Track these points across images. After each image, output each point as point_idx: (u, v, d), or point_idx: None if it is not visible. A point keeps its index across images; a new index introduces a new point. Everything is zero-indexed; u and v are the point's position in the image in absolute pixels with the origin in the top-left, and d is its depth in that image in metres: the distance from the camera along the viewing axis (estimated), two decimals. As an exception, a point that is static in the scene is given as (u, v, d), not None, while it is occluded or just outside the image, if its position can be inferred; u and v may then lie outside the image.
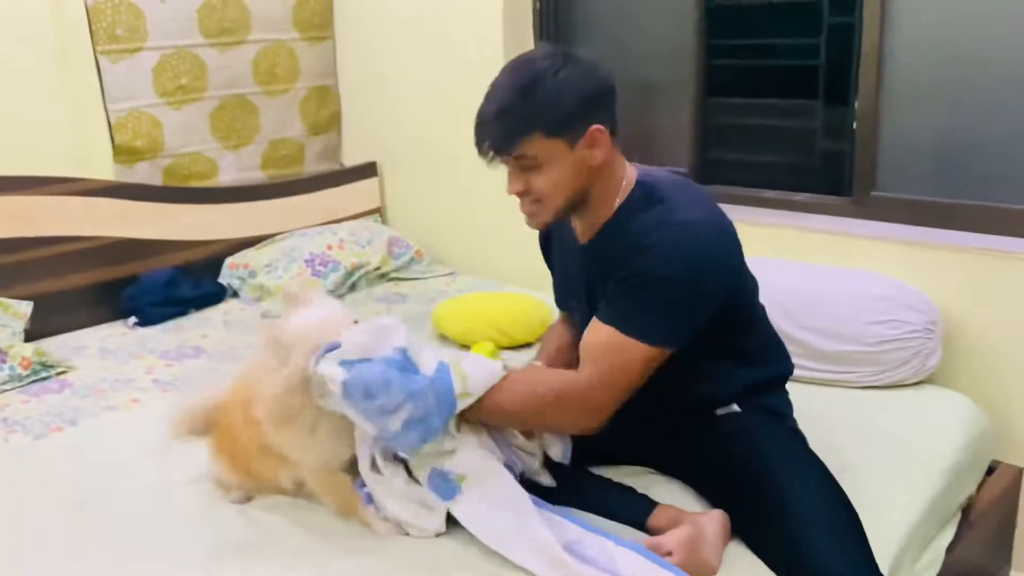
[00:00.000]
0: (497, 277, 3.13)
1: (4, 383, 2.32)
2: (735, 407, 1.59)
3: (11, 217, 2.65)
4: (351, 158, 3.63)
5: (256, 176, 3.38)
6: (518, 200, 1.54)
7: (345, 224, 3.34)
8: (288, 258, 3.03)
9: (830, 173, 2.51)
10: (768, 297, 1.68)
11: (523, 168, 1.47)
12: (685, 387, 1.56)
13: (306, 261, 3.01)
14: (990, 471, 2.03)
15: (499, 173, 3.11)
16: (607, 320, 1.45)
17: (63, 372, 2.43)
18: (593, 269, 1.57)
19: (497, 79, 1.48)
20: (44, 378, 2.38)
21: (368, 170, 3.53)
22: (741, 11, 2.65)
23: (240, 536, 1.58)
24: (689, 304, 1.44)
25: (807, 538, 1.37)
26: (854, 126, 2.37)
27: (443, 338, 2.54)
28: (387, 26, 3.31)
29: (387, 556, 1.47)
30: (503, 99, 1.44)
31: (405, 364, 1.43)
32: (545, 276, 2.96)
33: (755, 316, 1.64)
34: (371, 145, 3.56)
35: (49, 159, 2.80)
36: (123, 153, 2.98)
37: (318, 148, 3.58)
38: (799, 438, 1.61)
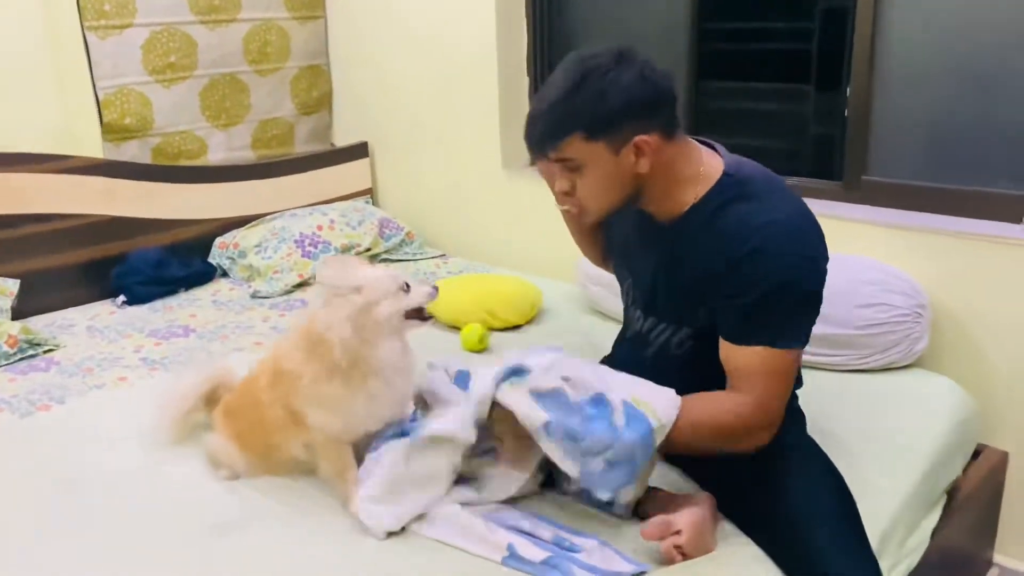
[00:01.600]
0: (487, 260, 3.13)
1: (-9, 361, 2.31)
2: None
3: (0, 194, 2.63)
4: (342, 138, 3.61)
5: (246, 156, 3.36)
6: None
7: (336, 204, 3.32)
8: (278, 238, 3.01)
9: (821, 157, 2.51)
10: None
11: (567, 169, 1.45)
12: (706, 381, 1.52)
13: (296, 242, 3.00)
14: (976, 454, 2.04)
15: (490, 155, 3.09)
16: (755, 340, 1.41)
17: (50, 350, 2.42)
18: (667, 251, 1.53)
19: (552, 75, 1.43)
20: (31, 356, 2.37)
21: (359, 151, 3.51)
22: (734, -7, 2.63)
23: (230, 514, 1.58)
24: (818, 299, 1.44)
25: (810, 537, 1.37)
26: (845, 111, 2.36)
27: (434, 321, 2.53)
28: (379, 5, 3.28)
29: (367, 536, 1.48)
30: (549, 97, 1.40)
31: (600, 401, 1.41)
32: (535, 260, 2.98)
33: None
34: (362, 125, 3.54)
35: (37, 137, 2.78)
36: (112, 131, 2.96)
37: (309, 128, 3.56)
38: (801, 429, 1.61)
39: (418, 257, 3.22)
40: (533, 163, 1.46)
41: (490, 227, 3.18)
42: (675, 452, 1.52)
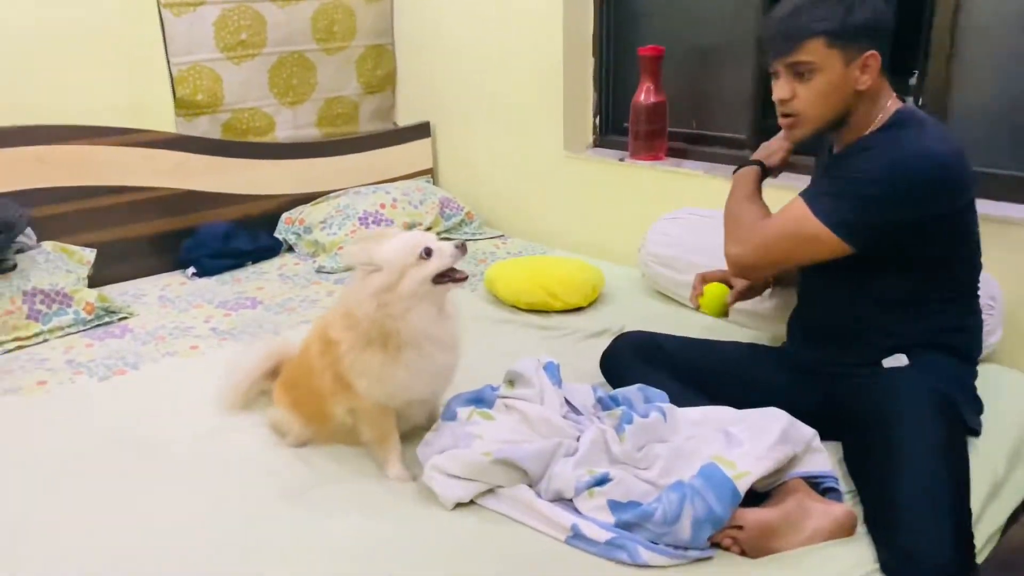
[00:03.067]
0: (545, 242, 3.13)
1: (69, 327, 2.40)
2: (903, 359, 1.60)
3: (76, 166, 2.72)
4: (405, 118, 3.64)
5: (311, 133, 3.41)
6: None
7: (398, 183, 3.36)
8: (343, 215, 3.06)
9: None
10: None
11: (795, 75, 1.56)
12: (864, 325, 1.63)
13: (360, 219, 3.04)
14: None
15: (552, 137, 3.07)
16: (801, 195, 1.59)
17: (124, 318, 2.50)
18: (833, 168, 1.62)
19: None
20: (107, 323, 2.46)
21: (421, 130, 3.54)
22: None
23: (296, 479, 1.63)
24: (875, 203, 1.50)
25: (905, 512, 1.34)
26: (920, 98, 2.30)
27: (495, 300, 2.55)
28: (445, -15, 3.29)
29: (435, 504, 1.51)
30: (794, 4, 1.54)
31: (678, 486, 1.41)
32: (594, 243, 2.98)
33: (954, 271, 1.63)
34: (425, 105, 3.56)
35: (112, 111, 2.85)
36: (184, 107, 3.03)
37: (373, 107, 3.59)
38: (951, 412, 1.55)
39: (477, 237, 3.24)
40: (774, 61, 1.59)
41: (550, 209, 3.18)
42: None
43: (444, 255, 1.53)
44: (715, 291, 1.91)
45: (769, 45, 1.59)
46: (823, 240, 1.54)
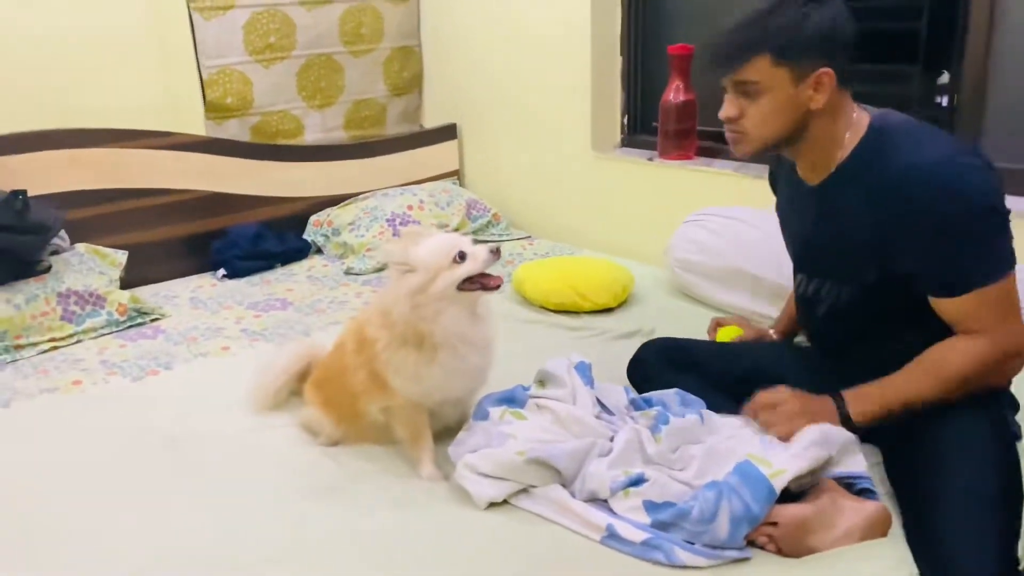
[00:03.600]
0: (573, 242, 3.12)
1: (103, 328, 2.42)
2: None
3: (107, 169, 2.75)
4: (431, 120, 3.65)
5: (339, 136, 3.43)
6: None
7: (425, 185, 3.36)
8: (370, 217, 3.07)
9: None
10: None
11: (741, 93, 1.46)
12: (881, 332, 1.54)
13: (387, 221, 3.05)
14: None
15: (579, 137, 3.06)
16: (963, 288, 1.39)
17: (156, 319, 2.52)
18: (820, 213, 1.54)
19: (737, 9, 1.46)
20: (139, 324, 2.48)
21: (448, 132, 3.54)
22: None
23: (328, 477, 1.63)
24: (1001, 214, 1.39)
25: (947, 524, 1.30)
26: (955, 95, 2.26)
27: (523, 301, 2.54)
28: (472, -13, 3.30)
29: (468, 504, 1.50)
30: (741, 19, 1.43)
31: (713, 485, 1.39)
32: (622, 244, 2.96)
33: None
34: (451, 107, 3.56)
35: (143, 114, 2.89)
36: (214, 110, 3.05)
37: (400, 109, 3.60)
38: (999, 429, 1.48)
39: (504, 238, 3.23)
40: (722, 77, 1.47)
41: (577, 210, 3.17)
42: (927, 407, 1.46)
43: (477, 259, 1.53)
44: (729, 333, 1.94)
45: (713, 61, 1.47)
46: (1015, 280, 1.41)
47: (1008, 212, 1.39)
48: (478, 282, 1.54)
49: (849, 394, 1.50)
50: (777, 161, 1.75)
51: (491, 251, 1.53)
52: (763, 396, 1.56)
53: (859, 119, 1.49)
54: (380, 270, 2.90)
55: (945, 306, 1.43)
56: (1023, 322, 1.44)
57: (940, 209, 1.36)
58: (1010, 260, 1.41)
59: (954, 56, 2.27)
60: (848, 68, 1.44)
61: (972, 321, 1.42)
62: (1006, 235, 1.40)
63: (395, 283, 1.54)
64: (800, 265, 1.69)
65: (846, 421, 1.48)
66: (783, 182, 1.73)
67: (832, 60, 1.41)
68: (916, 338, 1.48)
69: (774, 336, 1.93)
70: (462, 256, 1.52)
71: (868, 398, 1.49)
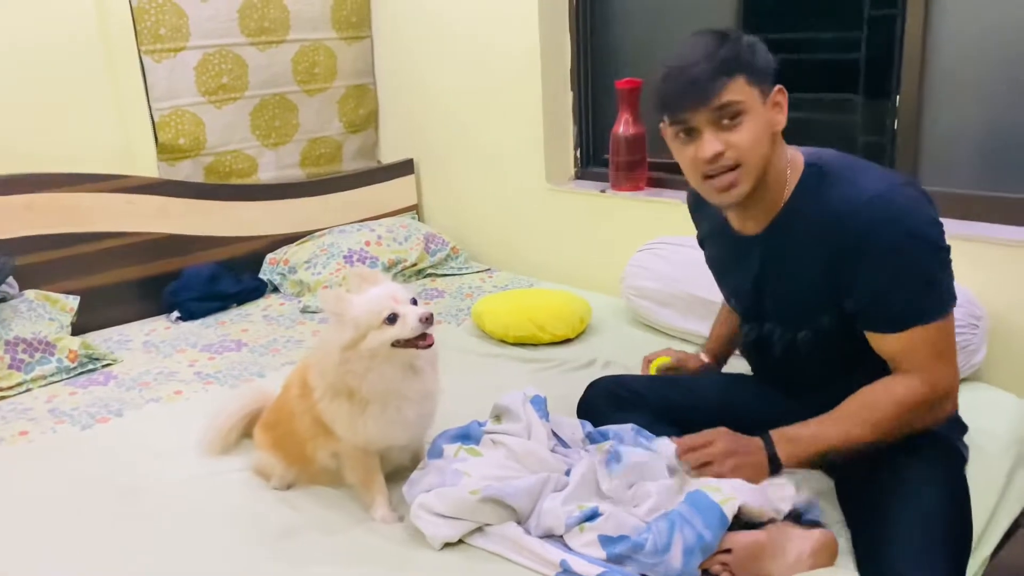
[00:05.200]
0: (532, 274, 3.14)
1: (52, 375, 2.38)
2: None
3: (58, 213, 2.72)
4: (388, 156, 3.66)
5: (295, 174, 3.43)
6: (703, 178, 1.44)
7: (383, 221, 3.36)
8: (327, 254, 3.06)
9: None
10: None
11: (721, 124, 1.39)
12: (839, 367, 1.53)
13: (345, 257, 3.04)
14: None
15: (534, 170, 3.09)
16: (904, 325, 1.39)
17: (109, 365, 2.48)
18: (771, 256, 1.52)
19: (683, 48, 1.42)
20: (91, 370, 2.44)
21: (405, 167, 3.55)
22: (781, 3, 2.62)
23: (282, 522, 1.61)
24: (946, 253, 1.39)
25: (896, 548, 1.31)
26: (895, 121, 2.33)
27: (482, 334, 2.55)
28: (424, 25, 3.33)
29: (423, 547, 1.49)
30: (703, 49, 1.38)
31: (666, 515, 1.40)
32: (579, 274, 2.98)
33: None
34: (408, 143, 3.58)
35: (95, 157, 2.87)
36: (167, 151, 3.04)
37: (356, 146, 3.61)
38: (948, 454, 1.51)
39: (463, 271, 3.24)
40: (680, 120, 1.41)
41: (535, 242, 3.19)
42: (864, 450, 1.45)
43: (406, 327, 1.48)
44: (659, 364, 1.96)
45: (681, 101, 1.40)
46: (952, 317, 1.42)
47: (949, 248, 1.40)
48: (411, 341, 1.50)
49: (778, 435, 1.48)
50: (696, 202, 1.71)
51: (422, 318, 1.48)
52: (689, 439, 1.52)
53: (795, 159, 1.50)
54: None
55: (886, 343, 1.43)
56: (954, 365, 1.43)
57: (886, 240, 1.36)
58: (952, 298, 1.42)
59: (892, 85, 2.34)
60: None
61: (910, 359, 1.41)
62: (949, 272, 1.42)
63: (330, 331, 1.52)
64: (749, 315, 1.66)
65: (773, 461, 1.47)
66: (711, 240, 1.71)
67: (779, 80, 1.44)
68: (874, 377, 1.47)
69: (705, 359, 1.93)
70: (392, 319, 1.48)
71: (798, 442, 1.46)
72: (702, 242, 1.81)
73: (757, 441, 1.49)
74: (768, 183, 1.47)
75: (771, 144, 1.44)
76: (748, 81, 1.39)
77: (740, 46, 1.40)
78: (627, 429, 1.66)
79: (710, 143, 1.40)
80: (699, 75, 1.37)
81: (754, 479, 1.44)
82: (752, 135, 1.40)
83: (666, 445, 1.57)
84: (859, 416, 1.43)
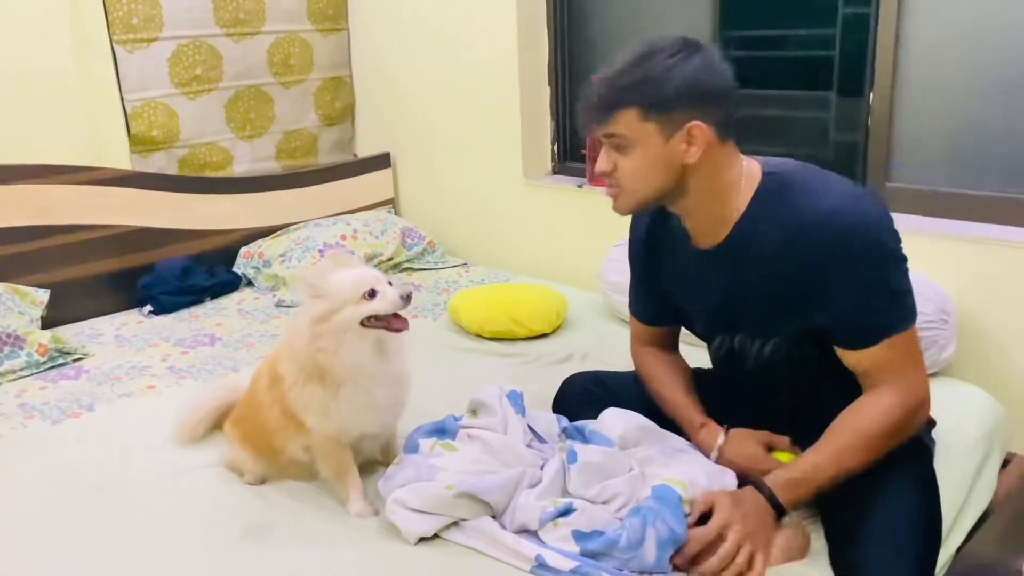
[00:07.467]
0: (509, 268, 3.14)
1: (22, 369, 2.34)
2: None
3: (29, 206, 2.68)
4: (365, 149, 3.65)
5: (270, 166, 3.40)
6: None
7: (359, 214, 3.35)
8: (302, 248, 3.04)
9: (844, 164, 2.50)
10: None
11: (614, 147, 1.42)
12: (812, 376, 1.52)
13: (320, 251, 3.02)
14: (1005, 463, 2.02)
15: (511, 164, 3.09)
16: (877, 338, 1.39)
17: (79, 359, 2.45)
18: (731, 267, 1.48)
19: (618, 55, 1.42)
20: (61, 365, 2.41)
21: (381, 161, 3.54)
22: (756, 1, 2.64)
23: (256, 517, 1.60)
24: (903, 269, 1.39)
25: (868, 547, 1.33)
26: (868, 118, 2.36)
27: (459, 329, 2.54)
28: (401, 17, 3.31)
29: (398, 539, 1.48)
30: (613, 70, 1.39)
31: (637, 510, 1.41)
32: (556, 268, 2.99)
33: None
34: (384, 136, 3.57)
35: (66, 149, 2.82)
36: (139, 143, 3.00)
37: (332, 139, 3.59)
38: (919, 452, 1.52)
39: (440, 266, 3.23)
40: (596, 130, 1.43)
41: (512, 236, 3.19)
42: (859, 471, 1.42)
43: (386, 301, 1.49)
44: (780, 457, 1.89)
45: (584, 114, 1.44)
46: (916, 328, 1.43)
47: (907, 259, 1.40)
48: (384, 321, 1.51)
49: (776, 484, 1.43)
50: (650, 228, 1.67)
51: (402, 296, 1.49)
52: (696, 542, 1.38)
53: (750, 169, 1.45)
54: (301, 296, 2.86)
55: (856, 357, 1.42)
56: (924, 371, 1.44)
57: (854, 255, 1.34)
58: (915, 309, 1.42)
59: (865, 81, 2.36)
60: (728, 119, 1.41)
61: (882, 372, 1.40)
62: (909, 280, 1.42)
63: (302, 310, 1.52)
64: (715, 329, 1.61)
65: (777, 510, 1.43)
66: (667, 259, 1.65)
67: (704, 112, 1.37)
68: (848, 380, 1.47)
69: (715, 427, 1.83)
70: (372, 294, 1.49)
71: (796, 487, 1.42)
72: (648, 259, 1.71)
73: (758, 501, 1.42)
74: (703, 201, 1.45)
75: (676, 174, 1.41)
76: (642, 116, 1.37)
77: (647, 76, 1.35)
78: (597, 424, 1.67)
79: (602, 159, 1.45)
80: (593, 101, 1.41)
81: (767, 545, 1.40)
82: (634, 167, 1.41)
83: (612, 417, 1.61)
84: (851, 446, 1.40)
